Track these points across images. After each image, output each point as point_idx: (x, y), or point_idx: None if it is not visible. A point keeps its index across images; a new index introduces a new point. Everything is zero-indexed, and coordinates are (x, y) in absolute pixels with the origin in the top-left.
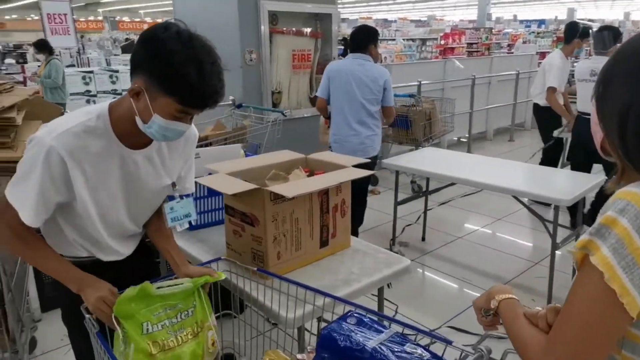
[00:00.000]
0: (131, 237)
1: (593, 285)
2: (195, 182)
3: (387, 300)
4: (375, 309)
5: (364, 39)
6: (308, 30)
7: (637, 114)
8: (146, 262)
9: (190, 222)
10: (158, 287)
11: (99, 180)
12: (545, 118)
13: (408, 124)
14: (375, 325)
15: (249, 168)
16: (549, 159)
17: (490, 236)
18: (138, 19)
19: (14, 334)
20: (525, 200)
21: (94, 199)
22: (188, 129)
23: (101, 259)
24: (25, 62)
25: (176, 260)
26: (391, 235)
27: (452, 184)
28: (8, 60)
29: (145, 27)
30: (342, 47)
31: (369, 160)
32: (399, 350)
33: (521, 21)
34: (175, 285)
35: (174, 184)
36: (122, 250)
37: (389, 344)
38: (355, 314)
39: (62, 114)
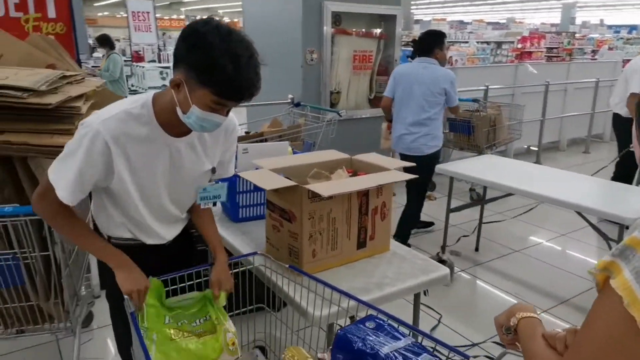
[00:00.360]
0: (174, 222)
1: (612, 310)
2: (239, 176)
3: (430, 308)
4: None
5: (429, 43)
6: (371, 31)
7: None
8: (189, 250)
9: (215, 203)
10: (174, 302)
11: (141, 165)
12: (626, 129)
13: (470, 130)
14: (394, 332)
15: (293, 165)
16: (623, 174)
17: (550, 252)
18: (217, 19)
19: (69, 307)
20: (592, 217)
21: (136, 182)
22: (225, 121)
23: (144, 241)
24: None
25: (214, 246)
26: (442, 242)
27: (510, 194)
28: (96, 54)
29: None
30: (412, 49)
31: (414, 164)
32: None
33: (609, 26)
34: (189, 298)
35: (213, 169)
36: (164, 234)
37: (405, 352)
38: (375, 319)
39: None
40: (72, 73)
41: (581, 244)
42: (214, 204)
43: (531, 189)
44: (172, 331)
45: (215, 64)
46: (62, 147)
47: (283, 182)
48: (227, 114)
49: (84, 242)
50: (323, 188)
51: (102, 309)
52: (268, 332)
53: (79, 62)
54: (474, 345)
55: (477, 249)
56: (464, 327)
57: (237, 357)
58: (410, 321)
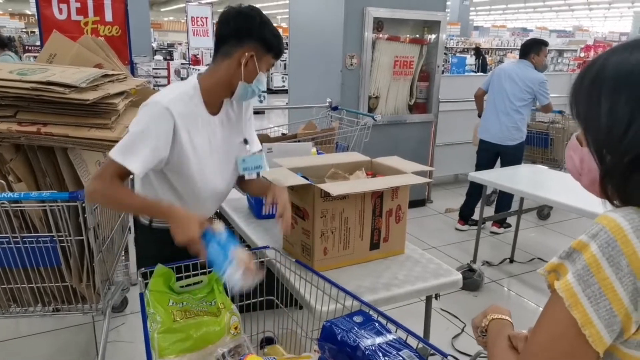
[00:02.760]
0: (217, 199)
1: (558, 312)
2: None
3: (455, 317)
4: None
5: (526, 49)
6: (414, 36)
7: None
8: None
9: (258, 174)
10: (181, 286)
11: (197, 142)
12: None
13: (547, 143)
14: (381, 328)
15: (312, 165)
16: None
17: None
18: (275, 24)
19: (100, 290)
20: None
21: (195, 158)
22: None
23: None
24: (172, 59)
25: (267, 185)
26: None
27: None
28: (157, 57)
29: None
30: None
31: (432, 168)
32: (393, 354)
33: None
34: (195, 283)
35: (245, 140)
36: (207, 211)
37: (386, 347)
38: (364, 314)
39: None
40: (115, 72)
41: None
42: (257, 175)
43: (566, 200)
44: (175, 312)
45: (276, 34)
46: (98, 140)
47: (296, 181)
48: None
49: (138, 205)
50: (334, 187)
51: (137, 296)
52: (279, 327)
53: (131, 64)
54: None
55: (511, 261)
56: None
57: (242, 337)
58: (421, 325)
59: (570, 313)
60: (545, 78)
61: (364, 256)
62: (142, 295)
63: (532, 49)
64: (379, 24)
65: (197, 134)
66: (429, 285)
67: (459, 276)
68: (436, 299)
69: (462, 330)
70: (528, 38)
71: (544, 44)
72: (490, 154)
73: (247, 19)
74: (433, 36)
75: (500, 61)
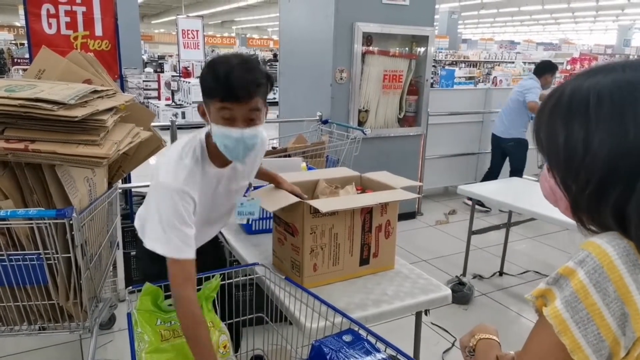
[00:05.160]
0: (223, 222)
1: (546, 337)
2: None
3: (446, 331)
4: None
5: (539, 69)
6: (402, 51)
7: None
8: (216, 252)
9: (248, 220)
10: (169, 305)
11: (205, 197)
12: None
13: None
14: (370, 347)
15: (302, 181)
16: None
17: None
18: (266, 37)
19: (87, 308)
20: None
21: (202, 209)
22: (242, 134)
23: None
24: (162, 72)
25: (278, 181)
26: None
27: (533, 219)
28: (147, 69)
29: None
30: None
31: (421, 184)
32: None
33: None
34: None
35: (250, 185)
36: (207, 236)
37: None
38: (353, 333)
39: (154, 118)
40: (104, 88)
41: None
42: (247, 221)
43: (552, 214)
44: (163, 332)
45: (213, 73)
46: (87, 156)
47: (286, 201)
48: (246, 126)
49: (205, 343)
50: (323, 204)
51: (125, 313)
52: (270, 345)
53: (121, 78)
54: None
55: (501, 274)
56: None
57: (230, 356)
58: (411, 340)
59: (559, 338)
60: (538, 85)
61: (354, 272)
62: (129, 315)
63: (545, 71)
64: (368, 39)
65: (204, 189)
66: (419, 301)
67: (448, 292)
68: (426, 314)
69: (453, 344)
70: (544, 59)
71: (556, 68)
72: (494, 146)
73: (202, 72)
74: (422, 50)
75: (488, 74)
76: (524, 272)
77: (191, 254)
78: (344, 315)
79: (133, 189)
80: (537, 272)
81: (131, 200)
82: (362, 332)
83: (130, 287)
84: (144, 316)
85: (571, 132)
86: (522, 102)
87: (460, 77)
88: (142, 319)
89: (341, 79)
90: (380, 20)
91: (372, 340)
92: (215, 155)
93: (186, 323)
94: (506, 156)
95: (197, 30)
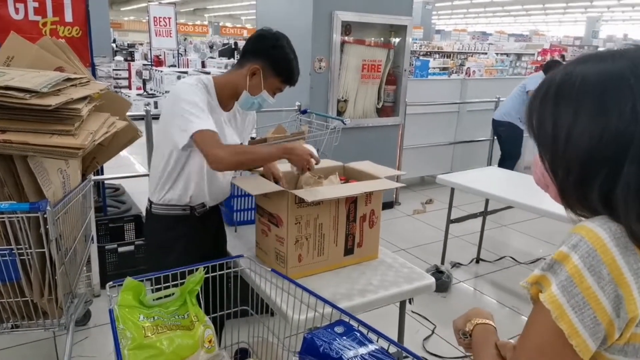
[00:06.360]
0: (227, 178)
1: (544, 323)
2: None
3: (426, 319)
4: (397, 326)
5: (547, 67)
6: (381, 40)
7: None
8: (217, 221)
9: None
10: (154, 299)
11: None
12: None
13: None
14: (362, 338)
15: (285, 171)
16: None
17: None
18: (239, 25)
19: (63, 304)
20: None
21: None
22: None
23: (207, 203)
24: (133, 60)
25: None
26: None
27: (510, 207)
28: (117, 58)
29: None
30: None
31: (404, 173)
32: None
33: (634, 41)
34: (167, 296)
35: (241, 145)
36: (221, 188)
37: (368, 358)
38: (345, 324)
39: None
40: (77, 76)
41: None
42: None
43: (530, 202)
44: (146, 327)
45: (289, 59)
46: (61, 147)
47: (270, 188)
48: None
49: (264, 151)
50: (308, 194)
51: (100, 308)
52: (254, 337)
53: (92, 66)
54: (465, 356)
55: (478, 261)
56: None
57: (214, 355)
58: (396, 329)
59: (557, 324)
60: (542, 78)
61: (338, 262)
62: (111, 312)
63: (552, 68)
64: (347, 28)
65: (213, 116)
66: (403, 290)
67: (432, 280)
68: (410, 303)
69: (433, 332)
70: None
71: (556, 64)
72: (495, 132)
73: (263, 40)
74: (400, 40)
75: (462, 64)
76: (500, 259)
77: (211, 125)
78: (334, 306)
79: (106, 181)
80: (512, 259)
81: (104, 193)
82: (353, 323)
83: (111, 283)
84: (125, 312)
85: (558, 117)
86: (524, 91)
87: (434, 68)
88: (123, 315)
89: (320, 68)
90: (359, 9)
91: (364, 330)
92: (222, 96)
93: (240, 162)
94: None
95: (169, 18)
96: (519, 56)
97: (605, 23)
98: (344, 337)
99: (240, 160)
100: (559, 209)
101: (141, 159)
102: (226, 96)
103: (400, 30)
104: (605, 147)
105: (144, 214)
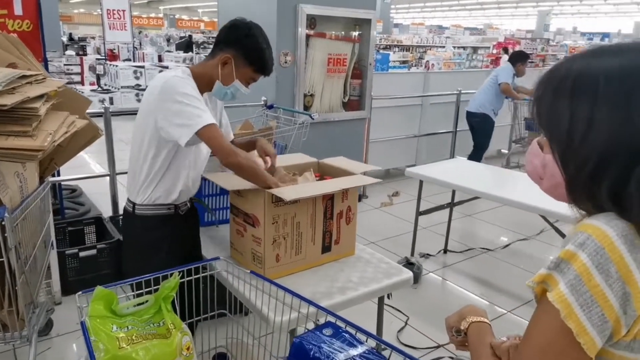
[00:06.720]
0: (202, 169)
1: (550, 322)
2: (204, 179)
3: (398, 311)
4: (373, 319)
5: (512, 58)
6: (346, 34)
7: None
8: (196, 220)
9: None
10: (127, 308)
11: None
12: None
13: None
14: (352, 339)
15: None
16: None
17: (517, 253)
18: (196, 18)
19: (24, 315)
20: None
21: None
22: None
23: (191, 195)
24: (85, 54)
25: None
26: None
27: (477, 197)
28: (68, 52)
29: (203, 26)
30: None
31: (379, 167)
32: None
33: (583, 33)
34: (141, 303)
35: None
36: (198, 179)
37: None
38: (333, 325)
39: (89, 104)
40: (32, 73)
41: (545, 245)
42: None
43: (497, 192)
44: (120, 338)
45: (261, 49)
46: (18, 149)
47: (246, 184)
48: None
49: (259, 171)
50: (286, 192)
51: (62, 317)
52: (230, 339)
53: (45, 61)
54: (439, 346)
55: (445, 251)
56: (431, 329)
57: (194, 358)
58: (374, 325)
59: (565, 323)
60: (511, 70)
61: (316, 260)
62: (83, 324)
63: (518, 59)
64: (311, 21)
65: None
66: (383, 286)
67: (410, 274)
68: (389, 298)
69: (406, 323)
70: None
71: (527, 57)
72: (468, 123)
73: (235, 30)
74: (364, 33)
75: (421, 58)
76: (468, 250)
77: (214, 120)
78: (318, 307)
79: (63, 183)
80: (480, 249)
81: (61, 195)
82: (340, 323)
83: (80, 292)
84: (97, 323)
85: (576, 111)
86: (496, 83)
87: (394, 61)
88: (95, 326)
89: (286, 62)
90: (324, 2)
91: (352, 331)
92: (200, 87)
93: (244, 166)
94: None
95: (123, 10)
96: (475, 49)
97: (555, 16)
98: (333, 339)
99: (248, 165)
100: (521, 198)
101: (98, 158)
102: (203, 86)
103: (365, 23)
104: (623, 144)
105: (104, 215)
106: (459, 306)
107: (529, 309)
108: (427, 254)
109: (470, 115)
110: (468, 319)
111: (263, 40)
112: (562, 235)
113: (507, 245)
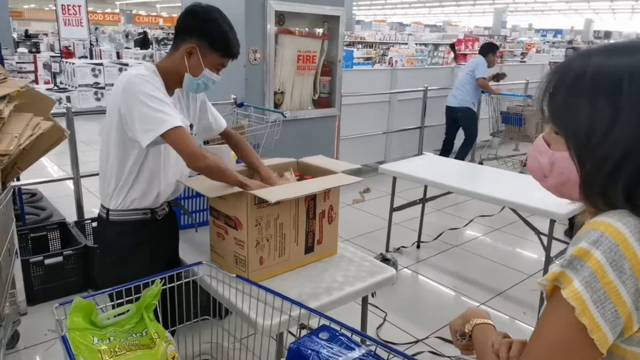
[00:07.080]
0: (178, 169)
1: (563, 319)
2: (181, 183)
3: (376, 307)
4: (360, 315)
5: (483, 50)
6: (315, 31)
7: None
8: (174, 224)
9: None
10: (107, 319)
11: None
12: None
13: (521, 121)
14: (348, 342)
15: (238, 170)
16: None
17: (487, 246)
18: (154, 13)
19: None
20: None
21: None
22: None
23: (168, 199)
24: (38, 52)
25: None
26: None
27: (449, 192)
28: (20, 49)
29: (161, 21)
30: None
31: (359, 166)
32: None
33: (537, 30)
34: (121, 313)
35: (191, 126)
36: (172, 194)
37: None
38: (328, 329)
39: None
40: None
41: (513, 237)
42: None
43: (467, 187)
44: (102, 350)
45: (224, 32)
46: None
47: (228, 189)
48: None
49: (229, 172)
50: (270, 194)
51: (29, 327)
52: (214, 343)
53: (1, 58)
54: (418, 341)
55: (418, 246)
56: (409, 324)
57: None
58: (358, 323)
59: (578, 319)
60: (484, 63)
61: (300, 261)
62: (64, 338)
63: (489, 50)
64: (280, 18)
65: None
66: (367, 285)
67: (393, 272)
68: (373, 296)
69: (384, 319)
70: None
71: (497, 47)
72: (448, 117)
73: (194, 16)
74: (333, 30)
75: (384, 54)
76: (439, 243)
77: (182, 122)
78: (309, 309)
79: (22, 187)
80: (448, 243)
81: (21, 200)
82: (334, 326)
83: (57, 304)
84: (76, 336)
85: (596, 109)
86: (473, 78)
87: (358, 58)
88: (74, 339)
89: (255, 59)
90: None
91: (348, 333)
92: (168, 83)
93: (213, 168)
94: (459, 127)
95: (79, 6)
96: (436, 46)
97: (510, 14)
98: (331, 343)
99: (216, 166)
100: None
101: (57, 160)
102: (172, 82)
103: (334, 20)
104: None
105: (68, 220)
106: (435, 300)
107: (501, 300)
108: (402, 247)
109: (452, 110)
110: (472, 321)
111: (224, 22)
112: (531, 227)
113: (476, 238)
